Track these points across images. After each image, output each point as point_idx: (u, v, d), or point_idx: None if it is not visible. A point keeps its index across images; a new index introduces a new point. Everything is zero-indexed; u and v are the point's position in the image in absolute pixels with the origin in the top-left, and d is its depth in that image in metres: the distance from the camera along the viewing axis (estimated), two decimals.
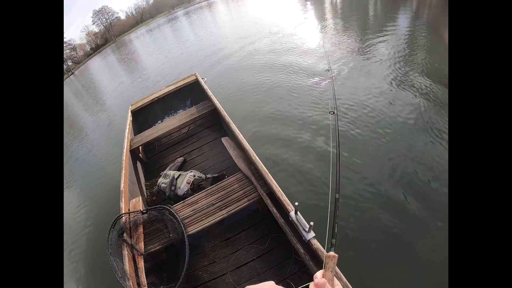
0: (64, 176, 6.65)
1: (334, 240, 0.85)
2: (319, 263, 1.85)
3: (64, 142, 9.71)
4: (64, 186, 6.13)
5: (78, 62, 47.64)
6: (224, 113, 3.66)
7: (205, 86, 4.67)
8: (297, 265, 2.22)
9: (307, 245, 1.94)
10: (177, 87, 5.14)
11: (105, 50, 45.57)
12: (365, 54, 6.21)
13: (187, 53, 13.98)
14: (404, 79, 4.82)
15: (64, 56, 45.46)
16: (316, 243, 1.86)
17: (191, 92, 5.29)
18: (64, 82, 34.65)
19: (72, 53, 48.79)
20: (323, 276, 0.62)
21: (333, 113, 2.15)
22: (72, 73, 40.30)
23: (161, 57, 16.13)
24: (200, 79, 5.02)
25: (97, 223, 4.30)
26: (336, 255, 0.64)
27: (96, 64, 33.90)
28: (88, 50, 51.85)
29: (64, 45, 47.41)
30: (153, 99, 5.07)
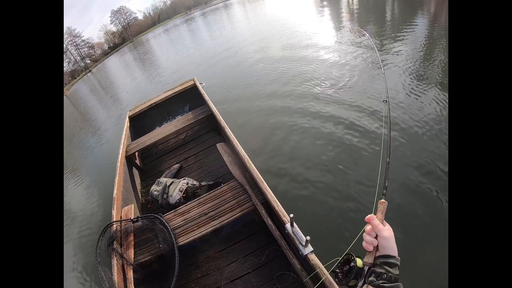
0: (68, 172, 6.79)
1: (385, 191, 0.94)
2: (317, 280, 1.73)
3: (76, 134, 10.59)
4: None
5: (96, 60, 48.98)
6: (220, 117, 3.60)
7: (203, 91, 4.63)
8: (296, 279, 2.10)
9: (304, 259, 1.83)
10: (175, 92, 5.10)
11: (122, 49, 46.27)
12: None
13: (200, 54, 14.03)
14: None
15: (82, 54, 47.18)
16: (314, 258, 1.74)
17: (190, 97, 5.24)
18: (82, 79, 36.33)
19: (90, 51, 50.19)
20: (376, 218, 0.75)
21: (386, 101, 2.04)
22: (90, 71, 41.40)
23: (175, 57, 16.35)
24: (198, 84, 4.98)
25: (92, 229, 4.26)
26: (386, 201, 0.78)
27: (113, 63, 34.54)
28: (106, 48, 53.30)
29: (82, 43, 49.13)
30: (151, 104, 5.02)
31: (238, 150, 2.86)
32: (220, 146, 3.19)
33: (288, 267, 2.18)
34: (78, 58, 47.11)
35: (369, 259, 0.74)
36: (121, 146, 3.93)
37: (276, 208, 2.13)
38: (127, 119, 4.78)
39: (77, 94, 25.30)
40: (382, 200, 0.80)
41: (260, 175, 2.48)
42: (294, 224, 1.92)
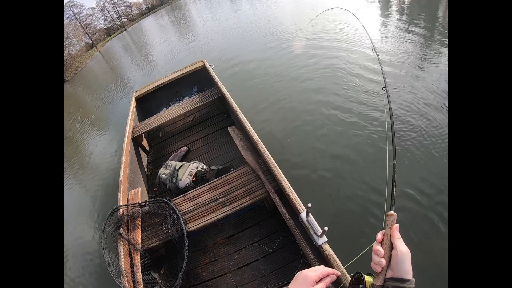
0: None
1: (393, 200, 0.89)
2: None
3: (107, 92, 11.65)
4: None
5: (132, 20, 49.88)
6: (231, 101, 3.46)
7: (213, 73, 4.47)
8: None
9: (317, 250, 1.77)
10: (183, 74, 4.94)
11: (159, 11, 45.80)
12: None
13: (236, 25, 13.19)
14: None
15: (118, 12, 48.20)
16: (328, 249, 1.69)
17: (198, 79, 5.09)
18: (116, 37, 37.52)
19: (127, 10, 50.52)
20: (383, 234, 0.68)
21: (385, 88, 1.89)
22: (125, 29, 42.85)
23: (210, 25, 15.80)
24: (207, 66, 4.81)
25: (97, 213, 4.23)
26: (395, 213, 0.70)
27: (148, 23, 34.53)
28: (143, 9, 53.23)
29: (120, 1, 49.68)
30: (158, 85, 4.88)
31: (251, 134, 2.74)
32: (232, 130, 3.06)
33: (298, 256, 2.14)
34: (115, 16, 47.46)
35: (378, 281, 0.65)
36: (127, 128, 3.82)
37: (291, 196, 2.04)
38: (133, 100, 4.65)
39: (111, 50, 27.16)
40: (391, 212, 0.70)
41: (274, 161, 2.38)
42: (310, 214, 1.84)
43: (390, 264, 0.65)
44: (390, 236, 0.67)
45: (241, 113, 3.11)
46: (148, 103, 5.01)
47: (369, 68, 5.09)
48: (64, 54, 26.58)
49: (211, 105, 4.16)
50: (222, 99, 3.88)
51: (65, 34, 29.55)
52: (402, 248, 0.63)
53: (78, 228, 4.10)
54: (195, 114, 4.49)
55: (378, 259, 0.65)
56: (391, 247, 0.66)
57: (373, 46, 2.41)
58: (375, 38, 6.41)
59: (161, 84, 4.90)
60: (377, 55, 2.16)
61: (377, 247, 0.67)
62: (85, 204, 4.57)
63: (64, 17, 34.67)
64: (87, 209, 4.41)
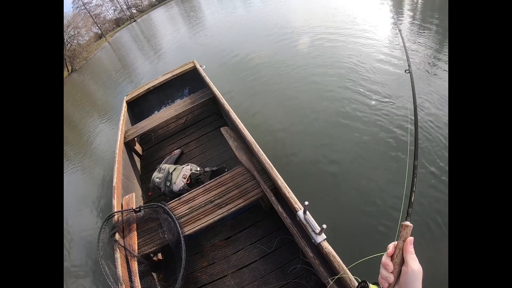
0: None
1: (411, 209, 0.80)
2: (329, 268, 1.68)
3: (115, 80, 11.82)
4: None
5: (142, 11, 48.45)
6: (223, 101, 3.43)
7: (204, 74, 4.43)
8: (304, 267, 2.06)
9: (316, 248, 1.77)
10: (174, 75, 4.89)
11: (169, 2, 44.33)
12: None
13: (247, 17, 12.87)
14: None
15: (128, 3, 46.99)
16: (327, 246, 1.69)
17: (189, 80, 5.04)
18: (126, 28, 37.35)
19: (137, 1, 49.17)
20: (395, 246, 0.61)
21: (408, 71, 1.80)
22: (135, 21, 42.17)
23: (220, 19, 15.18)
24: (198, 66, 4.78)
25: (92, 221, 4.16)
26: (411, 224, 0.62)
27: (158, 15, 34.03)
28: (154, 0, 51.65)
29: None
30: (148, 88, 4.82)
31: (244, 134, 2.72)
32: (225, 130, 3.03)
33: (297, 255, 2.14)
34: (125, 7, 46.46)
35: None
36: (119, 132, 3.77)
37: (287, 195, 2.03)
38: (124, 104, 4.59)
39: (120, 41, 27.16)
40: (406, 222, 0.63)
41: (268, 160, 2.37)
42: (307, 212, 1.83)
43: (398, 280, 0.60)
44: (403, 250, 0.60)
45: (234, 113, 3.09)
46: (139, 107, 4.95)
47: (389, 55, 4.98)
48: (73, 43, 26.34)
49: (203, 106, 4.12)
50: (214, 99, 3.85)
51: (74, 24, 28.97)
52: (414, 266, 0.57)
53: (72, 237, 4.04)
54: (187, 116, 4.45)
55: (386, 274, 0.60)
56: (402, 262, 0.60)
57: (398, 28, 2.31)
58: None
59: (152, 86, 4.85)
60: (402, 38, 2.07)
61: (386, 260, 0.62)
62: (78, 211, 4.50)
63: (74, 6, 34.32)
64: (79, 217, 4.34)
